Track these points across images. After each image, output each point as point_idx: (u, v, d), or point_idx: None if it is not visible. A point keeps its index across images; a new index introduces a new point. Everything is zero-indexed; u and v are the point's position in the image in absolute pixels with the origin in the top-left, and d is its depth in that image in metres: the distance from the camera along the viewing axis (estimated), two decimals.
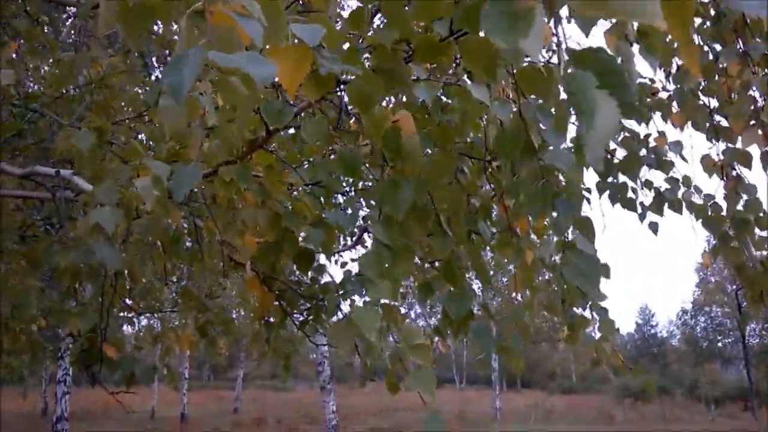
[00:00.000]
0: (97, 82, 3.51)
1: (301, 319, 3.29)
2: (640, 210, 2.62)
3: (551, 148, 1.29)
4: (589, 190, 2.63)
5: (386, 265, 1.26)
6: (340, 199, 2.97)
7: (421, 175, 1.35)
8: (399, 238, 1.31)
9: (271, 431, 16.92)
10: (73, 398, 19.57)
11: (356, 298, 3.38)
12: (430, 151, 1.81)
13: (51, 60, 3.70)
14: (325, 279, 2.98)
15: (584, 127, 0.60)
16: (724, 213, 2.41)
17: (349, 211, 1.71)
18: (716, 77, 2.03)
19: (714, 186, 2.57)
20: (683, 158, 2.58)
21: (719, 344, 34.06)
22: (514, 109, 1.44)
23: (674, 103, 2.32)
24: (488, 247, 2.94)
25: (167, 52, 4.46)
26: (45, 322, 3.93)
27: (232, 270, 3.98)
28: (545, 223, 2.19)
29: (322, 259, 3.83)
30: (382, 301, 1.35)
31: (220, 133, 1.38)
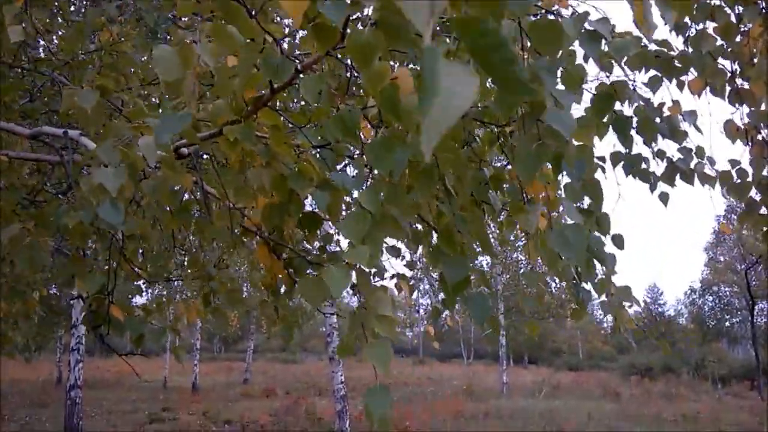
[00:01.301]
0: (107, 47, 3.49)
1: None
2: (651, 180, 2.58)
3: (552, 109, 1.26)
4: (603, 159, 2.59)
5: (366, 230, 1.23)
6: (350, 169, 2.93)
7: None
8: (386, 205, 1.29)
9: (280, 402, 17.13)
10: (87, 367, 19.91)
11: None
12: None
13: (61, 22, 3.68)
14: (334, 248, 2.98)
15: (422, 108, 0.50)
16: (750, 179, 2.36)
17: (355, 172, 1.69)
18: (738, 39, 1.97)
19: (737, 153, 2.52)
20: (697, 128, 2.53)
21: (727, 323, 34.02)
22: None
23: (691, 69, 2.26)
24: (494, 221, 2.92)
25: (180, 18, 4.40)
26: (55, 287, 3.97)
27: (242, 237, 3.99)
28: (558, 193, 2.16)
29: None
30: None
31: (220, 89, 1.35)
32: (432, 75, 0.50)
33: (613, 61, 1.91)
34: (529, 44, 1.37)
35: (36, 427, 12.82)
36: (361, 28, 1.12)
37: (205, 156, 3.22)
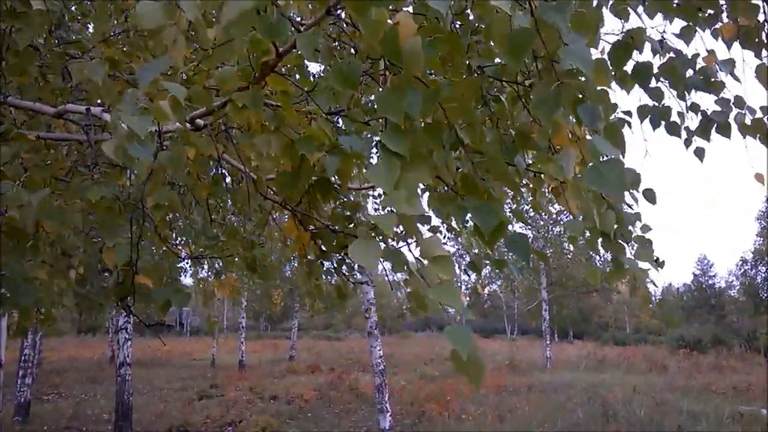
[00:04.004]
0: (134, 27, 3.53)
1: (338, 257, 3.32)
2: (685, 135, 2.48)
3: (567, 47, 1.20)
4: (629, 113, 2.50)
5: (398, 174, 1.18)
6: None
7: (432, 87, 1.27)
8: (412, 146, 1.23)
9: (324, 377, 17.42)
10: (138, 346, 20.52)
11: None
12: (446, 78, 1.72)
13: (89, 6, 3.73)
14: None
15: None
16: None
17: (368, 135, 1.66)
18: None
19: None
20: (735, 78, 2.40)
21: None
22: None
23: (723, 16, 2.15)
24: (522, 181, 2.85)
25: None
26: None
27: (269, 213, 4.02)
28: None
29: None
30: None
31: (219, 54, 1.34)
32: None
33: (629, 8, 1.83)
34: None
35: (90, 403, 13.37)
36: None
37: (231, 128, 3.25)
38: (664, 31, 2.39)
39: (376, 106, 1.31)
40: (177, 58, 1.12)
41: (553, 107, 1.25)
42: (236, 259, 4.22)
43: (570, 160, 1.48)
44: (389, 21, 1.24)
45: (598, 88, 1.41)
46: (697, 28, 2.33)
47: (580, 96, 1.32)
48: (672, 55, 2.37)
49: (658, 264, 3.02)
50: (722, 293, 41.78)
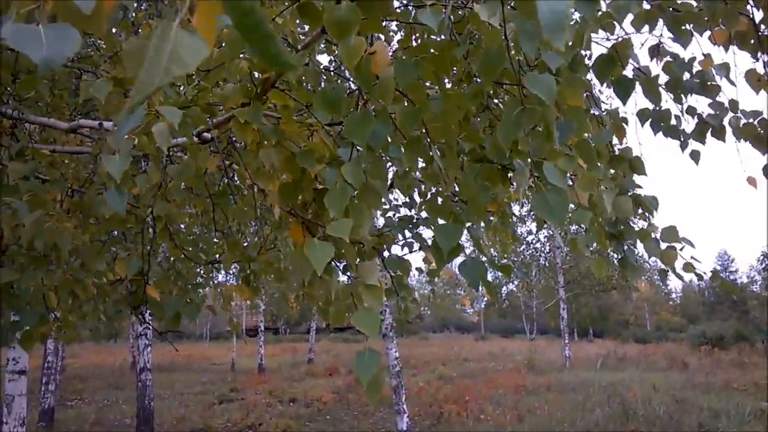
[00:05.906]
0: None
1: (344, 264, 3.38)
2: (682, 138, 2.51)
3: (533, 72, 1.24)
4: (625, 120, 2.53)
5: (346, 202, 1.27)
6: None
7: (416, 106, 1.33)
8: (369, 178, 1.31)
9: (342, 380, 17.50)
10: (159, 352, 20.68)
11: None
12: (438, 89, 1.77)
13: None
14: None
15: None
16: None
17: None
18: None
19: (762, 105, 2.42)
20: (730, 81, 2.43)
21: None
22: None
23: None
24: (520, 188, 2.89)
25: None
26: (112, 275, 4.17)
27: (282, 218, 4.08)
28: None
29: None
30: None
31: (215, 74, 1.40)
32: (161, 41, 0.56)
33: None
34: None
35: (113, 408, 13.57)
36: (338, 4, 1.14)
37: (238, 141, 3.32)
38: (660, 35, 2.42)
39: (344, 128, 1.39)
40: (154, 101, 1.18)
41: (513, 131, 1.30)
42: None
43: (524, 178, 1.53)
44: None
45: (572, 105, 1.45)
46: (694, 32, 2.36)
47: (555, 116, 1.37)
48: (669, 59, 2.40)
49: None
50: (744, 289, 41.22)
